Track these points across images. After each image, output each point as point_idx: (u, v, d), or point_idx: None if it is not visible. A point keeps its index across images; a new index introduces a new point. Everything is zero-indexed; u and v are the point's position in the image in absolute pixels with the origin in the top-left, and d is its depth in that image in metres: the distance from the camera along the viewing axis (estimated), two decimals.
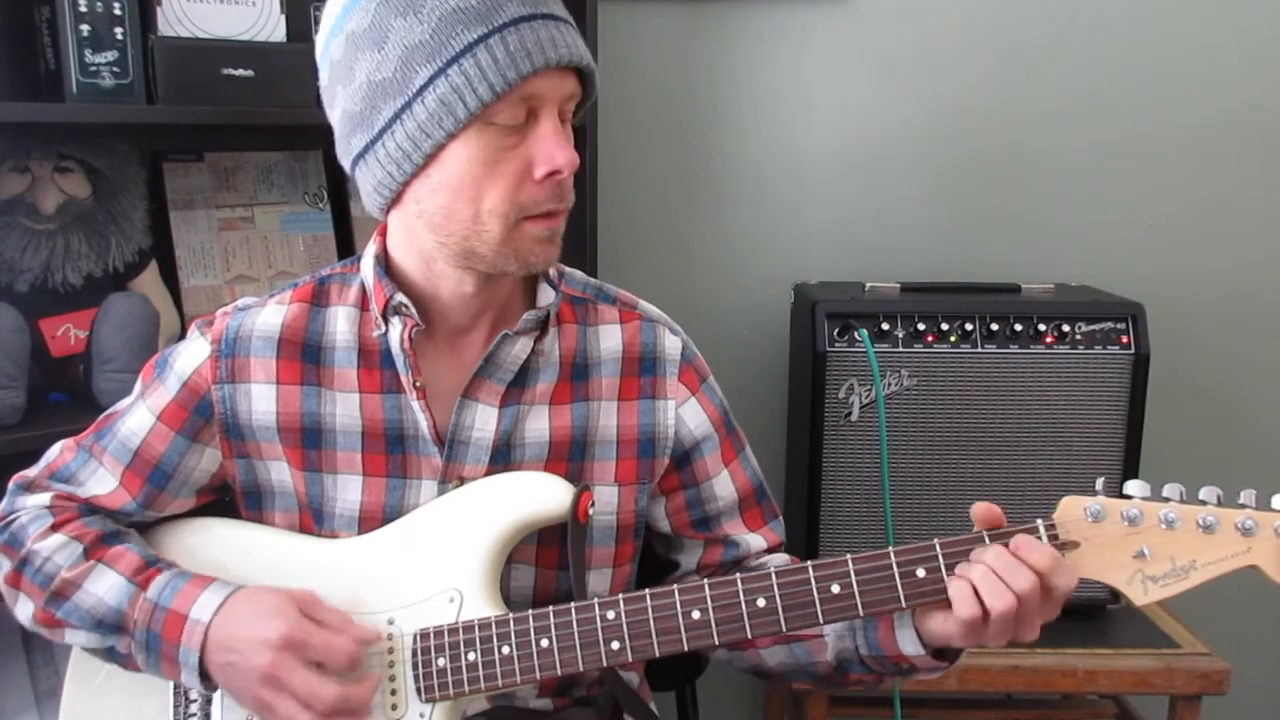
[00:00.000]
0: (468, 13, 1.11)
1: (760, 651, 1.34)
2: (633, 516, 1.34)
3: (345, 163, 1.22)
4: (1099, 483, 1.14)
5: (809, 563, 1.17)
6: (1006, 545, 1.12)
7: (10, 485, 1.34)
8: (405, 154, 1.14)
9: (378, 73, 1.13)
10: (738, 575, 1.18)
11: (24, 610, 1.28)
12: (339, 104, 1.18)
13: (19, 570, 1.27)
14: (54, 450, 1.35)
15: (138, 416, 1.30)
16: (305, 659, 1.17)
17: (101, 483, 1.31)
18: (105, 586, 1.24)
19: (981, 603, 1.10)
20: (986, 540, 1.14)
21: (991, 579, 1.11)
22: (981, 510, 1.15)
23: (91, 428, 1.34)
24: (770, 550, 1.40)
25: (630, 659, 1.19)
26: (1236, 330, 2.38)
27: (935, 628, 1.17)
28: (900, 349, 1.96)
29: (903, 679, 1.27)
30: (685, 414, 1.34)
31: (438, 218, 1.18)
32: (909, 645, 1.20)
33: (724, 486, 1.38)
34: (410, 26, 1.11)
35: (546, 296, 1.28)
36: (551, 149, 1.15)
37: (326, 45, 1.19)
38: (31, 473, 1.34)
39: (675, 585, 1.19)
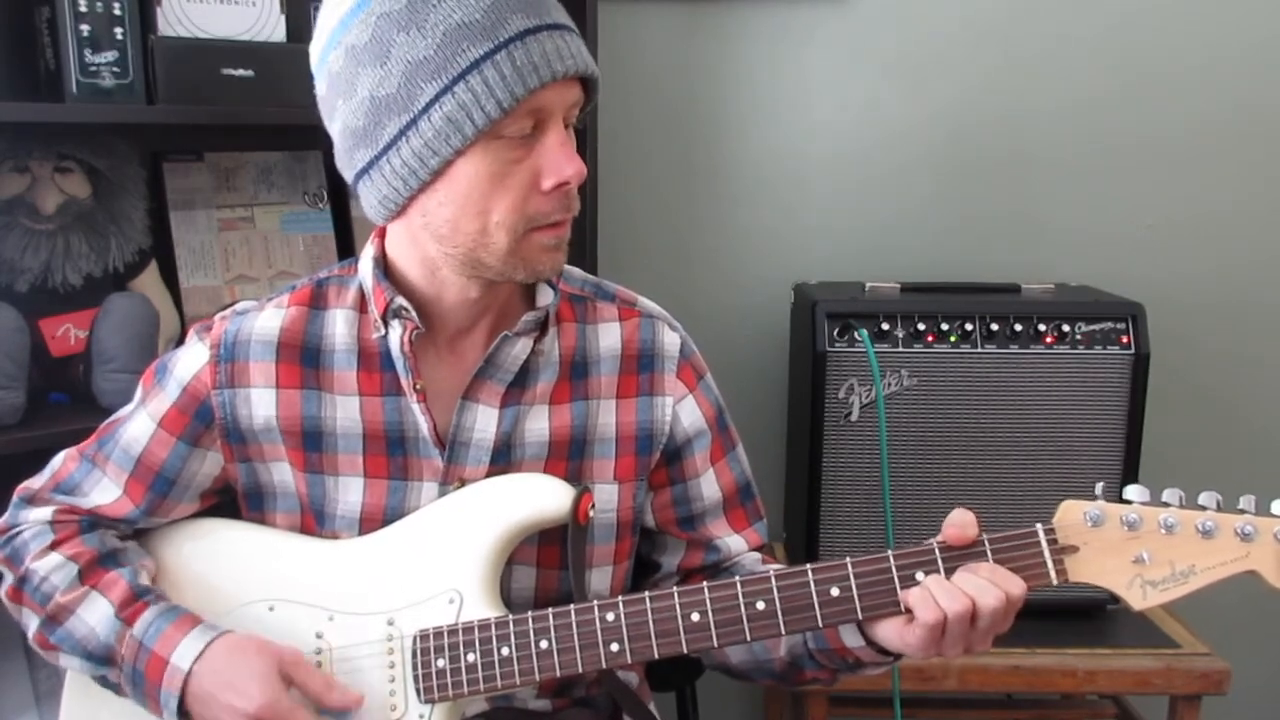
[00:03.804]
0: (473, 27, 1.10)
1: (725, 648, 1.34)
2: (631, 513, 1.34)
3: (348, 176, 1.21)
4: (1099, 487, 1.14)
5: (808, 565, 1.17)
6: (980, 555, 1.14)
7: (14, 498, 1.34)
8: (411, 170, 1.14)
9: (380, 88, 1.12)
10: (737, 578, 1.18)
11: (30, 626, 1.29)
12: (339, 117, 1.17)
13: (19, 588, 1.29)
14: (57, 461, 1.35)
15: (139, 424, 1.30)
16: None
17: (105, 492, 1.31)
18: (97, 616, 1.24)
19: (939, 605, 1.11)
20: (987, 545, 1.14)
21: (945, 583, 1.12)
22: (953, 530, 1.15)
23: (94, 436, 1.34)
24: (750, 551, 1.40)
25: (629, 661, 1.20)
26: (1236, 330, 2.38)
27: (886, 636, 1.17)
28: (900, 349, 1.96)
29: (852, 674, 1.27)
30: (682, 411, 1.34)
31: (444, 230, 1.17)
32: (850, 638, 1.20)
33: (709, 485, 1.37)
34: (414, 42, 1.10)
35: (545, 296, 1.27)
36: (559, 161, 1.14)
37: (324, 57, 1.17)
38: (35, 484, 1.34)
39: (675, 588, 1.19)
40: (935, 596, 1.11)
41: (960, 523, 1.15)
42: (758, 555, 1.40)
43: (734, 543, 1.39)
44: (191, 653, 1.20)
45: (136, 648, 1.22)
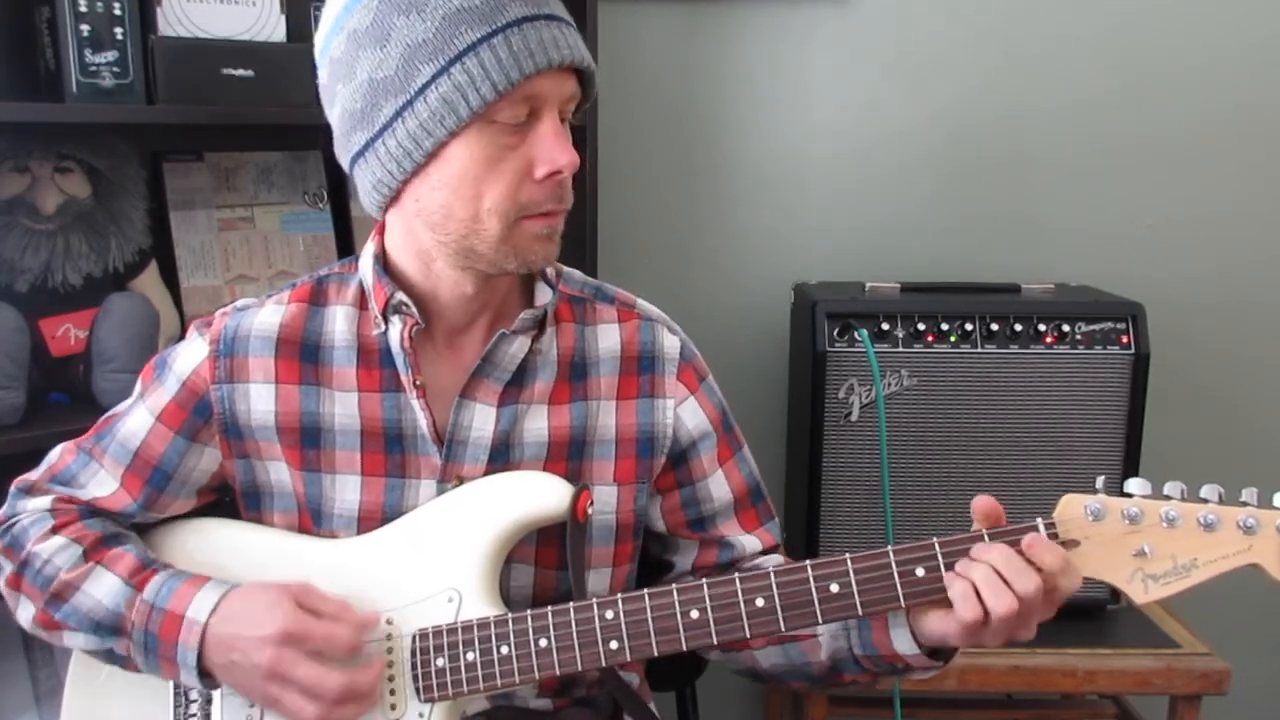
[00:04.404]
0: (471, 12, 1.11)
1: (755, 653, 1.33)
2: (632, 516, 1.34)
3: (344, 161, 1.22)
4: (1099, 481, 1.14)
5: (807, 562, 1.17)
6: (1012, 544, 1.12)
7: (11, 489, 1.34)
8: (406, 152, 1.14)
9: (379, 70, 1.13)
10: (736, 575, 1.18)
11: (25, 613, 1.28)
12: (339, 102, 1.18)
13: (19, 573, 1.28)
14: (54, 453, 1.35)
15: (137, 418, 1.30)
16: (307, 651, 1.17)
17: (102, 485, 1.31)
18: (103, 589, 1.24)
19: (983, 604, 1.10)
20: (986, 539, 1.14)
21: (994, 580, 1.10)
22: (982, 505, 1.15)
23: (92, 430, 1.34)
24: (766, 552, 1.40)
25: (629, 659, 1.19)
26: (1236, 330, 2.38)
27: (932, 627, 1.16)
28: (900, 349, 1.96)
29: (898, 678, 1.27)
30: (684, 413, 1.34)
31: (437, 216, 1.18)
32: (903, 644, 1.19)
33: (719, 486, 1.37)
34: (413, 25, 1.12)
35: (544, 296, 1.28)
36: (553, 149, 1.15)
37: (327, 43, 1.19)
38: (33, 476, 1.34)
39: (674, 585, 1.19)
40: (980, 592, 1.10)
41: (987, 502, 1.15)
42: (780, 558, 1.39)
43: (747, 542, 1.38)
44: (208, 605, 1.19)
45: (148, 611, 1.21)
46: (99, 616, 1.23)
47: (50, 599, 1.25)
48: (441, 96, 1.11)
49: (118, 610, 1.23)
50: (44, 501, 1.31)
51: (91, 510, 1.31)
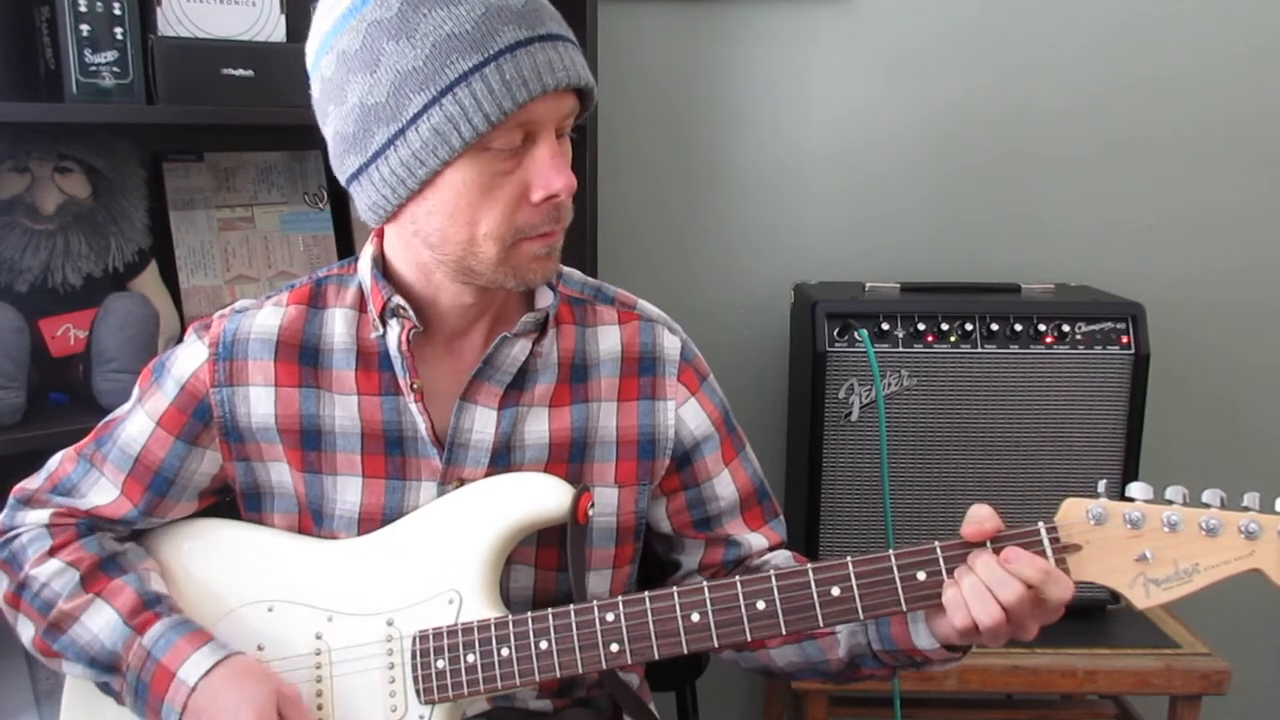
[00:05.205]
0: (462, 39, 1.08)
1: (770, 652, 1.33)
2: (633, 518, 1.34)
3: (340, 179, 1.21)
4: (1101, 485, 1.14)
5: (809, 565, 1.17)
6: (999, 553, 1.12)
7: (10, 498, 1.34)
8: (399, 179, 1.13)
9: (370, 96, 1.11)
10: (737, 578, 1.18)
11: (25, 632, 1.28)
12: (331, 123, 1.17)
13: (18, 593, 1.28)
14: (54, 461, 1.35)
15: (137, 423, 1.30)
16: None
17: (103, 493, 1.31)
18: (101, 623, 1.24)
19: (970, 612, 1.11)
20: (989, 544, 1.13)
21: (979, 590, 1.11)
22: (973, 527, 1.14)
23: (91, 435, 1.34)
24: (772, 548, 1.40)
25: (629, 661, 1.19)
26: (1236, 330, 2.38)
27: (934, 627, 1.17)
28: (900, 349, 1.96)
29: (916, 670, 1.27)
30: (685, 414, 1.34)
31: (434, 238, 1.17)
32: (923, 639, 1.20)
33: (725, 486, 1.37)
34: (403, 51, 1.09)
35: (545, 298, 1.27)
36: (549, 174, 1.14)
37: (317, 60, 1.17)
38: (32, 485, 1.34)
39: (675, 588, 1.19)
40: (967, 602, 1.11)
41: (977, 519, 1.14)
42: (788, 553, 1.40)
43: (753, 540, 1.39)
44: (199, 670, 1.19)
45: (144, 657, 1.21)
46: (95, 652, 1.24)
47: (48, 628, 1.25)
48: (433, 127, 1.09)
49: (115, 649, 1.23)
50: (42, 515, 1.31)
51: (90, 524, 1.31)
